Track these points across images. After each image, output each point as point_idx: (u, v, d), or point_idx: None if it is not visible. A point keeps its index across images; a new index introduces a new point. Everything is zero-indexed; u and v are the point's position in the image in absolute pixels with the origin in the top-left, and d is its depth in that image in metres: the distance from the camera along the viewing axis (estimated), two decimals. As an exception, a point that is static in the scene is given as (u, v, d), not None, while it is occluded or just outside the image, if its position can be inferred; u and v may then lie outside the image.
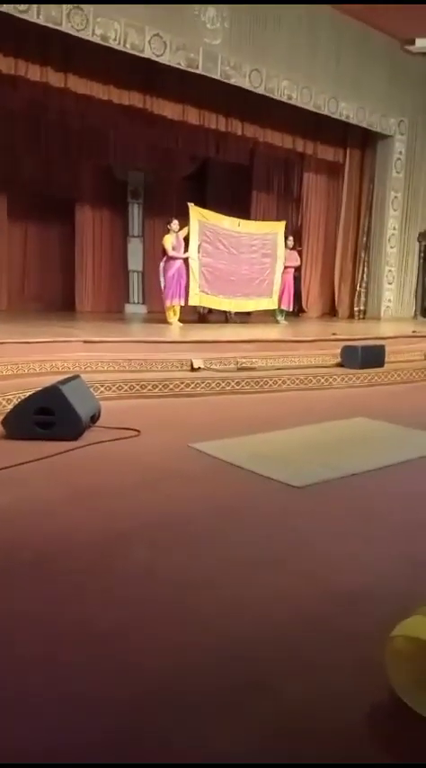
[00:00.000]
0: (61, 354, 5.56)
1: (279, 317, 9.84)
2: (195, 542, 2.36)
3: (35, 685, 1.48)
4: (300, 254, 10.42)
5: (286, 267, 9.65)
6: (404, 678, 1.44)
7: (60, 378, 4.17)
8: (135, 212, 12.15)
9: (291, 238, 9.87)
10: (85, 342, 6.08)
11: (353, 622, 1.78)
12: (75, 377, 4.27)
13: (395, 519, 2.67)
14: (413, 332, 8.54)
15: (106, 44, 7.34)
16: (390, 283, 11.89)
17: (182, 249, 8.42)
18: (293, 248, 9.91)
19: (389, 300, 11.90)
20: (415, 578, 2.03)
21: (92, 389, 4.52)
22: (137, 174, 11.97)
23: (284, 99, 9.28)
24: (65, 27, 6.96)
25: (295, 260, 9.95)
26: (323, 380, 6.15)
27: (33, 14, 6.70)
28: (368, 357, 6.51)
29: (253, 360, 6.18)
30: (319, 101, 9.76)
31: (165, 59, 7.90)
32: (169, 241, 8.28)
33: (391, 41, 10.74)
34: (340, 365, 6.54)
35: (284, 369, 6.19)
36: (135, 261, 12.28)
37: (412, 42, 10.86)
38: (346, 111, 10.21)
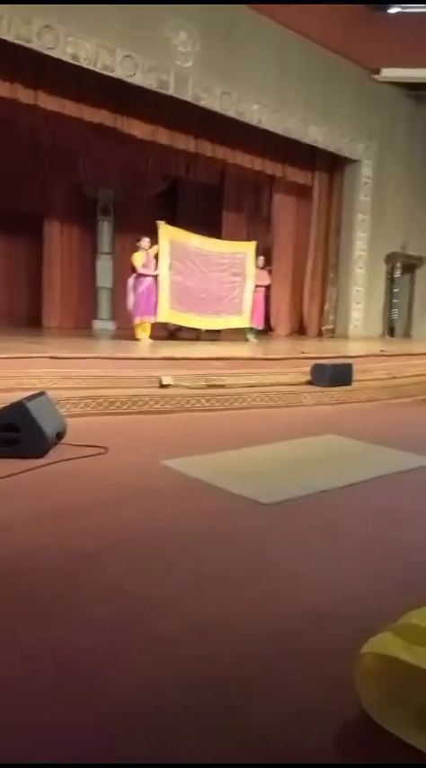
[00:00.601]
0: (27, 370, 5.45)
1: (250, 336, 9.91)
2: (164, 560, 2.32)
3: (-6, 711, 1.42)
4: (270, 273, 10.54)
5: (256, 286, 9.76)
6: (373, 695, 1.43)
7: (26, 394, 4.09)
8: (104, 229, 12.14)
9: (262, 258, 9.99)
10: (52, 358, 5.99)
11: (322, 640, 1.76)
12: (41, 393, 4.19)
13: (364, 536, 2.67)
14: (381, 351, 8.68)
15: (77, 63, 7.38)
16: (358, 303, 12.12)
17: (153, 266, 8.43)
18: (263, 267, 10.02)
19: (357, 320, 12.12)
20: (383, 596, 2.02)
21: (58, 406, 4.44)
22: (106, 191, 11.98)
23: (254, 122, 9.46)
24: (35, 45, 6.98)
25: (265, 279, 10.06)
26: (292, 398, 6.18)
27: (3, 30, 6.70)
28: (336, 375, 6.58)
29: (223, 377, 6.18)
30: (289, 124, 9.96)
31: (137, 80, 7.98)
32: (139, 258, 8.30)
33: (358, 69, 11.08)
34: (309, 383, 6.60)
35: (254, 386, 6.21)
36: (104, 278, 12.24)
37: (378, 72, 11.24)
38: (315, 135, 10.45)
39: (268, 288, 10.47)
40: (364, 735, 1.38)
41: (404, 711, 1.39)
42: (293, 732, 1.38)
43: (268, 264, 10.55)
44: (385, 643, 1.42)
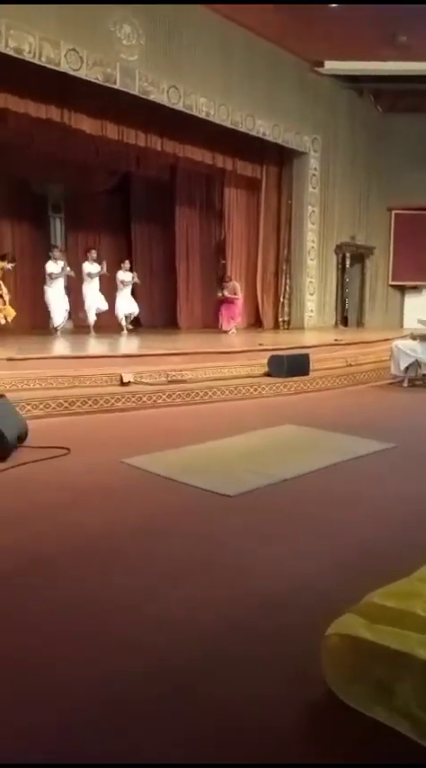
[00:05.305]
0: (-17, 374, 5.36)
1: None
2: (128, 560, 2.33)
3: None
4: (225, 267, 10.66)
5: (233, 298, 10.45)
6: (338, 674, 1.50)
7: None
8: (57, 227, 11.92)
9: (230, 281, 10.56)
10: (9, 360, 5.90)
11: (281, 627, 1.81)
12: (0, 396, 4.14)
13: (322, 523, 2.76)
14: (336, 340, 8.87)
15: (20, 56, 7.22)
16: (311, 294, 12.31)
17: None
18: (229, 281, 10.61)
19: (311, 311, 12.32)
20: (343, 581, 2.09)
21: (18, 408, 4.39)
22: (55, 187, 11.77)
23: (202, 116, 9.46)
24: (-24, 39, 6.79)
25: (238, 292, 10.72)
26: (252, 390, 6.27)
27: None
28: (293, 366, 6.70)
29: (183, 372, 6.21)
30: (236, 118, 10.01)
31: (82, 74, 7.86)
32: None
33: (301, 63, 11.20)
34: (267, 374, 6.70)
35: (214, 380, 6.26)
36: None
37: (322, 65, 11.38)
38: (262, 128, 10.53)
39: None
40: (330, 712, 1.45)
41: (366, 687, 1.47)
42: (254, 713, 1.43)
43: (222, 258, 10.68)
44: (347, 623, 1.49)
